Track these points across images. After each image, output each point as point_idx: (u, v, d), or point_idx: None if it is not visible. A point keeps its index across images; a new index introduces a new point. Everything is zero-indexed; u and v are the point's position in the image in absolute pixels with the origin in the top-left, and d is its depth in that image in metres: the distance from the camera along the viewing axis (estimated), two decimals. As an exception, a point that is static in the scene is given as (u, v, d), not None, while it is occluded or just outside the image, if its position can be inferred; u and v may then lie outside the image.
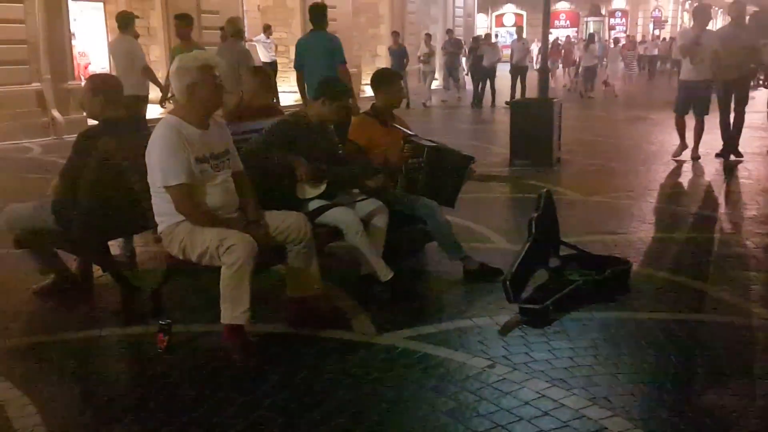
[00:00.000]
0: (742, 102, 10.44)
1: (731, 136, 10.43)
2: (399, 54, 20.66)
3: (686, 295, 4.95)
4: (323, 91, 4.87)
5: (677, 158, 10.37)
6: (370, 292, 4.75)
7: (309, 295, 4.34)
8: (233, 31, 11.00)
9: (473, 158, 5.52)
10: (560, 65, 29.05)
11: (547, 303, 4.47)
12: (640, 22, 52.40)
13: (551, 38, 21.51)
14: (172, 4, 16.74)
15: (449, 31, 25.87)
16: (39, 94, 13.76)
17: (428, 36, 23.48)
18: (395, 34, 21.69)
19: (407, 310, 4.56)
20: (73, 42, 15.93)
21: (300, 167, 4.55)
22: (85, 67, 17.52)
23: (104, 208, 4.42)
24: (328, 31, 9.26)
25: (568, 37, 34.90)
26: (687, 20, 40.71)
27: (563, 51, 28.69)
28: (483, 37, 23.62)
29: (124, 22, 10.42)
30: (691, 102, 10.28)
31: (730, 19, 10.94)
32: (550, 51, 29.04)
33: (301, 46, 9.12)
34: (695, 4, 11.62)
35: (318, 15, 9.19)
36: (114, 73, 10.03)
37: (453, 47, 23.72)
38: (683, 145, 10.43)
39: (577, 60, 26.55)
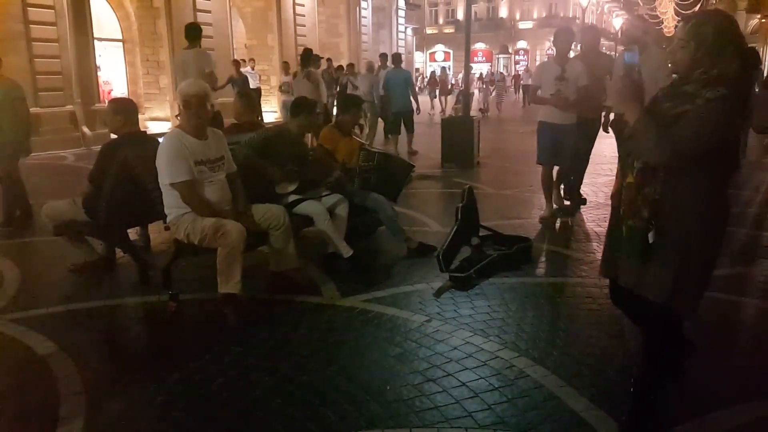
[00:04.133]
0: (592, 143, 6.75)
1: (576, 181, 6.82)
2: (241, 82, 14.85)
3: (571, 263, 5.03)
4: (302, 109, 4.86)
5: (545, 219, 6.26)
6: (335, 265, 4.73)
7: (287, 269, 4.31)
8: (369, 66, 13.15)
9: (413, 166, 5.57)
10: (437, 93, 26.10)
11: (470, 272, 4.50)
12: (538, 58, 52.97)
13: (429, 72, 18.53)
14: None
15: (329, 60, 18.56)
16: (72, 114, 13.47)
17: (286, 64, 16.74)
18: (236, 63, 16.11)
19: (364, 279, 4.55)
20: (99, 73, 15.57)
21: (273, 174, 4.56)
22: (108, 93, 17.03)
23: (124, 202, 4.33)
24: (402, 67, 11.87)
25: (443, 69, 32.73)
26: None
27: (440, 81, 25.88)
28: (345, 67, 17.12)
29: (307, 57, 11.05)
30: (557, 148, 6.22)
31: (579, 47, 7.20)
32: (429, 82, 28.12)
33: (388, 76, 11.63)
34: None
35: (398, 58, 12.14)
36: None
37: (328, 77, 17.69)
38: (550, 206, 6.43)
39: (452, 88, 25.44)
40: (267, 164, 4.55)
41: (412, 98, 11.55)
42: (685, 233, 2.30)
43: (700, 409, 2.77)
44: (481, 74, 34.93)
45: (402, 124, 11.45)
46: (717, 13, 2.37)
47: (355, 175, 5.13)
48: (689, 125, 2.17)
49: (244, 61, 16.57)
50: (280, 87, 16.36)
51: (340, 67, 17.36)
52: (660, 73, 5.47)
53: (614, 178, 2.58)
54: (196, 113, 3.90)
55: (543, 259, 5.08)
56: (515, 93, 35.32)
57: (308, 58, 10.75)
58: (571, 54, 6.43)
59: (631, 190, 2.34)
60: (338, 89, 15.73)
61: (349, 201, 4.85)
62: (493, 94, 24.89)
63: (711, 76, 2.22)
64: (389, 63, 12.33)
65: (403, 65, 13.48)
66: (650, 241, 2.29)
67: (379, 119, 12.53)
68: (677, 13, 40.75)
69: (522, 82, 29.94)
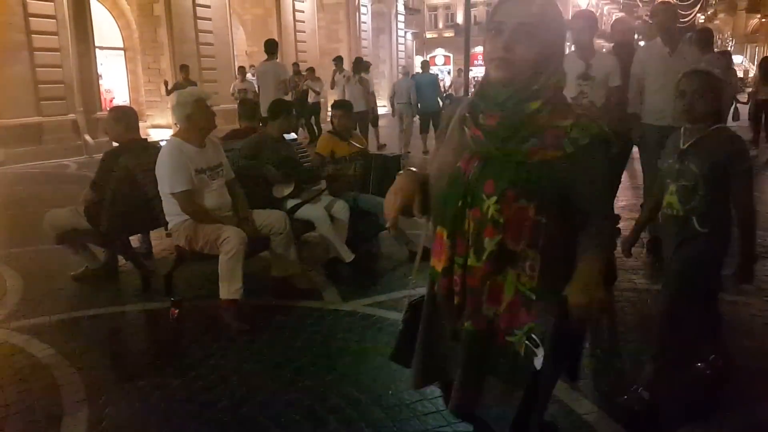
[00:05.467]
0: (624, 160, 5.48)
1: None
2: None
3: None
4: (279, 111, 4.89)
5: None
6: (336, 270, 4.73)
7: (289, 274, 4.31)
8: (405, 71, 14.72)
9: (400, 155, 5.63)
10: None
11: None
12: (538, 60, 52.77)
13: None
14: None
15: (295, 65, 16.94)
16: (74, 123, 13.50)
17: (242, 69, 15.24)
18: (184, 68, 13.97)
19: (365, 283, 4.54)
20: (101, 81, 15.62)
21: (270, 174, 4.60)
22: (110, 101, 17.11)
23: (125, 210, 4.33)
24: (430, 72, 13.53)
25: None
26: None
27: None
28: (306, 71, 15.42)
29: (359, 64, 12.25)
30: None
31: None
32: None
33: (418, 79, 12.77)
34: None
35: (426, 64, 14.21)
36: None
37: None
38: None
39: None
40: (262, 165, 4.58)
41: (438, 99, 12.75)
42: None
43: (703, 412, 2.76)
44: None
45: (431, 122, 12.22)
46: None
47: (344, 165, 5.15)
48: (594, 192, 1.53)
49: (187, 66, 14.16)
50: (232, 94, 14.52)
51: (298, 71, 15.36)
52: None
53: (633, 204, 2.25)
54: (212, 119, 3.99)
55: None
56: None
57: (359, 65, 12.37)
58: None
59: (474, 276, 1.56)
60: (296, 96, 13.90)
61: (350, 205, 4.85)
62: None
63: (545, 86, 1.50)
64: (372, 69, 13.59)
65: (401, 69, 14.08)
66: (537, 366, 1.50)
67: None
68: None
69: None
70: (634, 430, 2.65)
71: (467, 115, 1.58)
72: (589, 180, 1.51)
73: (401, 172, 1.66)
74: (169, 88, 13.67)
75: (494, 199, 1.49)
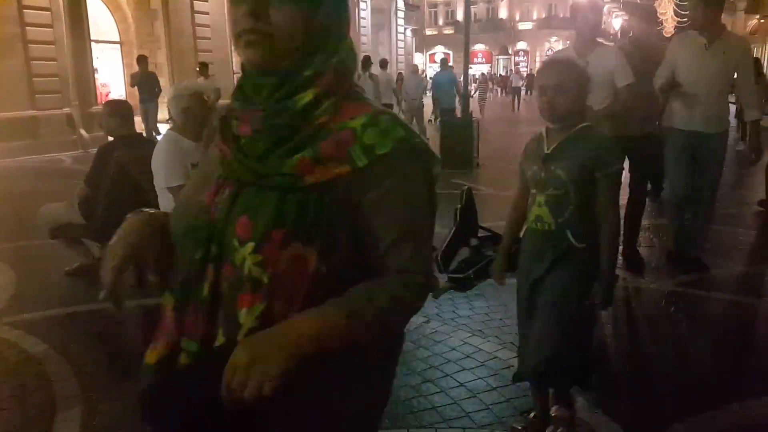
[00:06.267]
0: (647, 177, 4.92)
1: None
2: (149, 83, 12.99)
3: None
4: None
5: None
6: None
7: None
8: (414, 69, 14.69)
9: None
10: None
11: (468, 273, 4.47)
12: (537, 59, 52.96)
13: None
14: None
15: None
16: (69, 117, 13.50)
17: (203, 66, 13.75)
18: (142, 60, 13.28)
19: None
20: (96, 75, 15.60)
21: None
22: (106, 95, 17.05)
23: (120, 205, 4.30)
24: (449, 70, 13.77)
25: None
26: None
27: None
28: None
29: (366, 64, 12.51)
30: None
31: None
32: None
33: (437, 77, 13.58)
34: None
35: (445, 62, 14.14)
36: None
37: None
38: None
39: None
40: None
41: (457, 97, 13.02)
42: None
43: (697, 408, 2.77)
44: (483, 75, 34.61)
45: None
46: None
47: None
48: (391, 228, 1.03)
49: (146, 57, 13.46)
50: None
51: None
52: (746, 74, 4.25)
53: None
54: (208, 113, 3.99)
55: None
56: (502, 95, 34.95)
57: (367, 63, 12.93)
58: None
59: (241, 371, 0.99)
60: None
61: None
62: (475, 95, 24.28)
63: (322, 69, 1.01)
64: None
65: (411, 66, 14.15)
66: None
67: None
68: (677, 14, 40.84)
69: (513, 84, 29.45)
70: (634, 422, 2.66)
71: (217, 124, 1.11)
72: (386, 209, 1.02)
73: (130, 215, 1.14)
74: (129, 80, 13.46)
75: (251, 246, 0.98)
